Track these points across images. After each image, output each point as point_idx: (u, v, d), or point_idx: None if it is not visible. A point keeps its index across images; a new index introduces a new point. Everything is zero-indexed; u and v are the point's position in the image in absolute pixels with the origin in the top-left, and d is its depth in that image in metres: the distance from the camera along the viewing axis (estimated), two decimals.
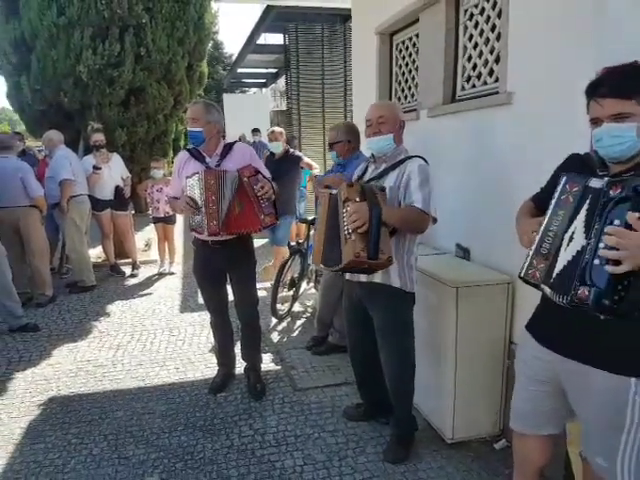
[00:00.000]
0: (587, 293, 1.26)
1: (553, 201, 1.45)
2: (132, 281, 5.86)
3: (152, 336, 4.18)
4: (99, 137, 5.72)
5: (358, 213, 2.07)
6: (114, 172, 5.81)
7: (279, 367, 3.56)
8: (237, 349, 3.36)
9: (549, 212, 1.45)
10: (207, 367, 3.56)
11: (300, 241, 4.74)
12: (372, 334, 2.45)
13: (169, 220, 6.01)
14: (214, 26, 8.92)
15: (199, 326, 4.34)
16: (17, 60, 6.82)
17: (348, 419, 2.85)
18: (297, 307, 4.74)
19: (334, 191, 2.25)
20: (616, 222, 1.24)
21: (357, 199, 2.12)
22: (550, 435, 1.72)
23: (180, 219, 6.05)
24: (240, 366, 3.37)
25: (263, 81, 17.51)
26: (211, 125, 2.86)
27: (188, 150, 2.99)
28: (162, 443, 2.69)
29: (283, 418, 2.90)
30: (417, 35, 3.54)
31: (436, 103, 3.20)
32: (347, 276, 2.50)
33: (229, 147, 2.95)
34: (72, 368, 3.60)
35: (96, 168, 5.52)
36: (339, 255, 2.15)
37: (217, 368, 3.36)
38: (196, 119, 2.82)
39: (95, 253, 6.53)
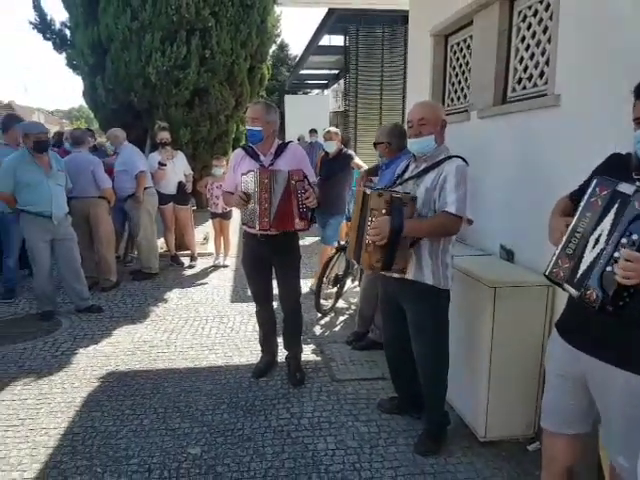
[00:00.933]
0: (595, 297, 1.30)
1: (582, 203, 1.47)
2: (189, 271, 6.17)
3: (204, 322, 4.42)
4: (165, 135, 6.06)
5: (379, 228, 2.17)
6: (177, 168, 6.14)
7: (319, 358, 3.68)
8: (280, 339, 3.51)
9: (577, 213, 1.47)
10: (252, 353, 3.73)
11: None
12: (407, 328, 2.51)
13: (226, 216, 6.27)
14: (276, 29, 9.17)
15: (247, 315, 4.53)
16: (94, 62, 7.28)
17: (382, 411, 2.92)
18: (341, 304, 4.84)
19: (368, 191, 2.32)
20: (634, 236, 1.26)
21: (383, 211, 2.19)
22: (578, 435, 1.72)
23: (236, 215, 6.29)
24: (282, 355, 3.51)
25: (325, 82, 17.69)
26: (269, 125, 3.01)
27: (244, 148, 3.17)
28: (206, 419, 2.88)
29: (319, 405, 3.02)
30: (471, 37, 3.54)
31: (487, 104, 3.20)
32: None
33: (283, 147, 3.10)
34: (130, 347, 3.89)
35: (161, 164, 5.85)
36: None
37: (260, 355, 3.53)
38: (256, 118, 2.96)
39: (158, 244, 6.93)
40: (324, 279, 4.51)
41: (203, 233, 7.54)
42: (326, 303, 4.69)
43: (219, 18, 7.12)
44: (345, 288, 4.92)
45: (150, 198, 5.67)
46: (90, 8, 7.01)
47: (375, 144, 3.59)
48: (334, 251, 4.68)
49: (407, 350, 2.56)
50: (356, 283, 5.03)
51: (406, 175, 2.50)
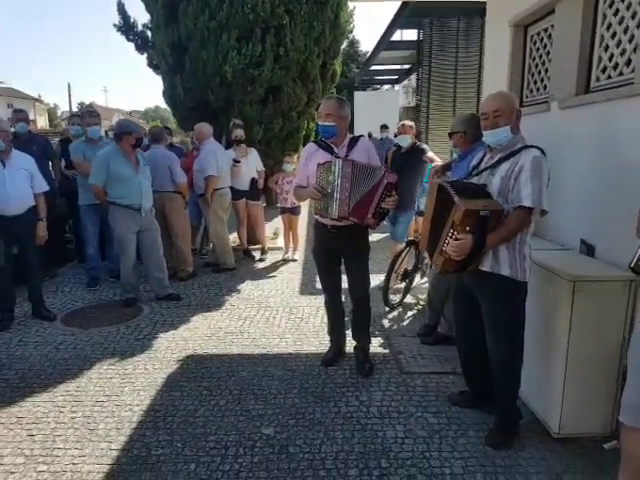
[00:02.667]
0: None
1: None
2: (260, 264, 6.37)
3: (274, 312, 4.57)
4: (239, 132, 6.27)
5: (460, 248, 2.18)
6: (251, 165, 6.33)
7: (387, 351, 3.70)
8: (348, 331, 3.57)
9: None
10: (321, 343, 3.82)
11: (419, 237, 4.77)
12: (480, 319, 2.47)
13: (295, 211, 6.41)
14: (349, 24, 9.16)
15: (315, 308, 4.63)
16: (173, 61, 7.56)
17: (452, 404, 2.90)
18: (409, 299, 4.81)
19: (456, 198, 2.22)
20: None
21: (467, 228, 2.16)
22: None
23: (305, 211, 6.42)
24: (350, 345, 3.57)
25: (395, 78, 17.53)
26: (342, 120, 3.08)
27: (316, 142, 3.25)
28: (278, 402, 3.00)
29: (388, 395, 3.05)
30: (552, 26, 3.41)
31: (568, 94, 3.08)
32: None
33: (355, 141, 3.17)
34: (206, 333, 4.10)
35: (236, 161, 6.05)
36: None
37: (329, 345, 3.60)
38: (330, 114, 3.04)
39: (231, 238, 7.21)
40: (393, 274, 4.50)
41: (273, 228, 7.75)
42: (394, 298, 4.69)
43: (293, 15, 7.20)
44: (414, 283, 4.88)
45: (220, 199, 5.80)
46: (170, 9, 7.28)
47: (450, 134, 3.53)
48: (403, 246, 4.66)
49: (480, 342, 2.52)
50: (425, 279, 4.98)
51: (482, 166, 2.48)
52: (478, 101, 9.02)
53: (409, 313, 4.54)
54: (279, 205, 6.55)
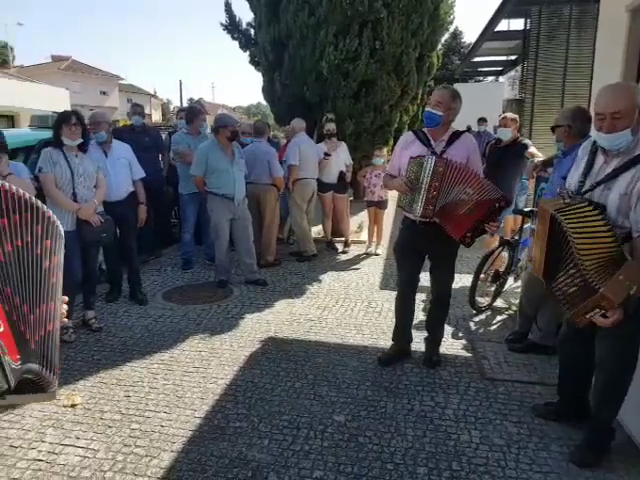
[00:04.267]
0: None
1: None
2: (343, 257, 6.42)
3: (353, 304, 4.59)
4: (331, 126, 6.36)
5: (613, 321, 1.96)
6: (340, 159, 6.40)
7: (469, 354, 3.56)
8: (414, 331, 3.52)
9: None
10: None
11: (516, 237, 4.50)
12: (586, 328, 2.22)
13: (382, 205, 6.37)
14: (449, 16, 8.89)
15: (394, 303, 4.57)
16: (273, 58, 7.85)
17: (536, 415, 2.73)
18: (499, 303, 4.58)
19: (557, 217, 2.04)
20: None
21: (617, 305, 1.91)
22: None
23: (391, 205, 6.35)
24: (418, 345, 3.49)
25: (499, 69, 16.76)
26: (450, 111, 2.98)
27: (414, 132, 3.16)
28: (350, 392, 3.02)
29: (466, 399, 2.95)
30: None
31: None
32: None
33: (456, 136, 3.04)
34: (287, 318, 4.24)
35: (326, 155, 6.18)
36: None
37: (391, 343, 3.51)
38: (440, 102, 2.95)
39: (316, 230, 7.34)
40: (482, 274, 4.31)
41: (358, 222, 7.77)
42: (482, 300, 4.47)
43: (391, 9, 7.15)
44: (505, 287, 4.63)
45: (300, 188, 5.96)
46: (273, 7, 7.56)
47: (553, 127, 3.28)
48: (496, 244, 4.43)
49: (584, 351, 2.33)
50: (519, 282, 4.71)
51: (592, 176, 2.18)
52: (590, 96, 8.30)
53: (498, 318, 4.32)
54: (366, 198, 6.55)
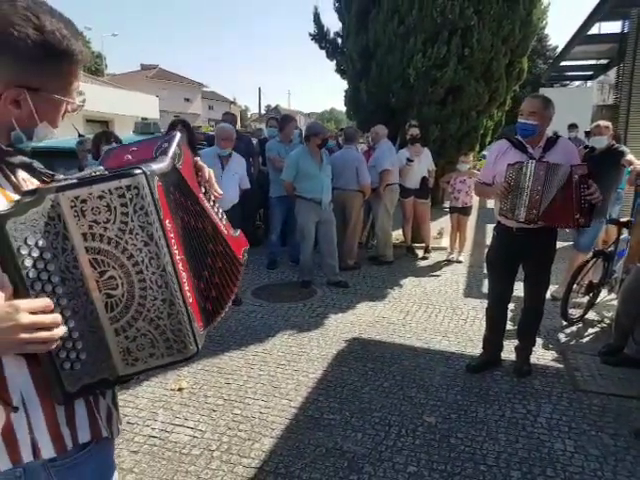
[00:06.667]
0: None
1: None
2: (423, 263, 6.43)
3: (437, 310, 4.62)
4: (415, 132, 6.40)
5: None
6: (423, 165, 6.43)
7: (561, 366, 3.49)
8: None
9: None
10: None
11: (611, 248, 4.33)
12: None
13: (465, 211, 6.31)
14: (541, 22, 8.61)
15: (481, 311, 4.47)
16: (360, 67, 8.00)
17: (636, 437, 2.64)
18: (592, 315, 4.42)
19: None
20: None
21: None
22: None
23: (475, 212, 6.27)
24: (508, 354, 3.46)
25: (589, 74, 15.90)
26: (545, 119, 2.97)
27: (509, 139, 3.16)
28: (440, 395, 3.08)
29: (558, 409, 2.91)
30: None
31: None
32: None
33: (552, 142, 3.02)
34: (370, 320, 4.34)
35: (409, 160, 6.22)
36: None
37: (482, 351, 3.51)
38: (534, 112, 2.95)
39: (395, 234, 7.39)
40: (575, 286, 4.18)
41: (438, 228, 7.71)
42: (574, 312, 4.33)
43: (482, 16, 7.07)
44: (599, 299, 4.46)
45: (390, 194, 6.05)
46: (362, 17, 7.72)
47: None
48: (589, 256, 4.29)
49: None
50: (613, 295, 4.51)
51: None
52: None
53: (590, 330, 4.18)
54: (449, 205, 6.52)
